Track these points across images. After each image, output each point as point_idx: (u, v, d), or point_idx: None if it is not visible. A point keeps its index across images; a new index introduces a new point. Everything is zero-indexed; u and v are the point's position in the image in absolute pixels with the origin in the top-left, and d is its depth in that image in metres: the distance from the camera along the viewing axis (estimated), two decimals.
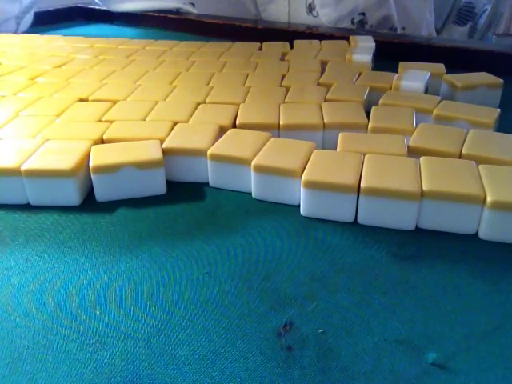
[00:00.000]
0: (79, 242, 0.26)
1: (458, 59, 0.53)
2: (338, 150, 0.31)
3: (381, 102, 0.38)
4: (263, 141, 0.31)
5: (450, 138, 0.31)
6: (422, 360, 0.19)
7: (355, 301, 0.22)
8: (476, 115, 0.35)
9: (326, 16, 0.71)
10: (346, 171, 0.27)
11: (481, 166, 0.28)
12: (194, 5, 0.81)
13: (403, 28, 0.74)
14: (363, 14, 0.70)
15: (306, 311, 0.21)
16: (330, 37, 0.61)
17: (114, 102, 0.39)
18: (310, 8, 0.72)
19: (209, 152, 0.30)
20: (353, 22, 0.71)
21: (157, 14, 0.80)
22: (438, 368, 0.18)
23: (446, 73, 0.45)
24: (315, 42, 0.57)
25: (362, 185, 0.26)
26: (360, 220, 0.27)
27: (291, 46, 0.56)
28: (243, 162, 0.30)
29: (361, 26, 0.71)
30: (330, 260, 0.24)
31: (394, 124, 0.34)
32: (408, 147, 0.31)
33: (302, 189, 0.27)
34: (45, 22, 0.81)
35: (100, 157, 0.30)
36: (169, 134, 0.33)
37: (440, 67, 0.46)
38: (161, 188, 0.31)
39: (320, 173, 0.27)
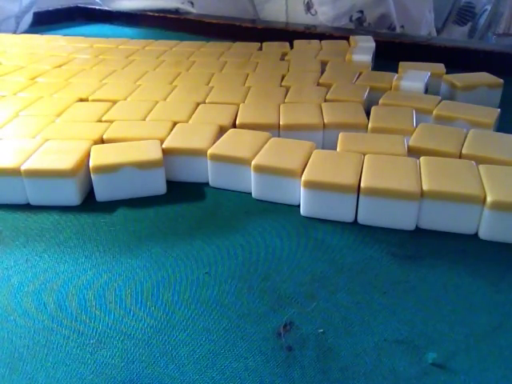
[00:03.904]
0: (79, 242, 0.26)
1: (458, 59, 0.53)
2: (338, 150, 0.31)
3: (381, 102, 0.38)
4: (263, 141, 0.31)
5: (450, 138, 0.31)
6: (422, 360, 0.19)
7: (355, 301, 0.22)
8: (476, 115, 0.35)
9: (324, 14, 0.71)
10: (346, 171, 0.27)
11: (481, 166, 0.28)
12: (192, 4, 0.81)
13: (402, 26, 0.74)
14: (361, 11, 0.70)
15: (306, 311, 0.21)
16: (330, 37, 0.62)
17: (114, 102, 0.39)
18: (308, 6, 0.72)
19: (209, 152, 0.30)
20: (351, 20, 0.71)
21: (157, 14, 0.80)
22: (438, 368, 0.18)
23: (446, 73, 0.45)
24: (315, 41, 0.57)
25: (362, 185, 0.26)
26: (360, 220, 0.27)
27: (291, 46, 0.56)
28: (243, 162, 0.30)
29: (359, 24, 0.71)
30: (330, 260, 0.24)
31: (394, 124, 0.34)
32: (408, 147, 0.31)
33: (302, 189, 0.27)
34: (45, 21, 0.81)
35: (100, 157, 0.30)
36: (169, 134, 0.33)
37: (440, 67, 0.46)
38: (161, 188, 0.31)
39: (320, 173, 0.27)
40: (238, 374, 0.18)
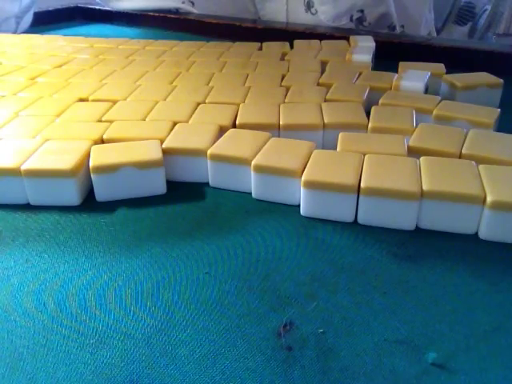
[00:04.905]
0: (79, 242, 0.26)
1: (458, 59, 0.53)
2: (337, 150, 0.31)
3: (381, 102, 0.38)
4: (263, 141, 0.31)
5: (450, 138, 0.31)
6: (422, 360, 0.19)
7: (355, 301, 0.22)
8: (476, 115, 0.35)
9: (324, 13, 0.71)
10: (346, 171, 0.27)
11: (481, 166, 0.28)
12: (193, 3, 0.81)
13: (402, 26, 0.74)
14: (362, 11, 0.70)
15: (306, 311, 0.21)
16: (330, 37, 0.62)
17: (114, 102, 0.39)
18: (309, 5, 0.72)
19: (209, 152, 0.30)
20: (351, 19, 0.71)
21: (157, 14, 0.80)
22: (438, 368, 0.18)
23: (446, 73, 0.45)
24: (315, 41, 0.57)
25: (362, 185, 0.26)
26: (360, 220, 0.27)
27: (291, 46, 0.56)
28: (243, 162, 0.30)
29: (359, 24, 0.71)
30: (330, 260, 0.24)
31: (394, 124, 0.34)
32: (408, 147, 0.31)
33: (302, 189, 0.27)
34: (45, 21, 0.81)
35: (100, 157, 0.30)
36: (169, 134, 0.33)
37: (440, 67, 0.46)
38: (161, 188, 0.31)
39: (320, 173, 0.27)
40: (238, 373, 0.18)
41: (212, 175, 0.31)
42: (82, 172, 0.29)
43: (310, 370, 0.18)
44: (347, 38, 0.57)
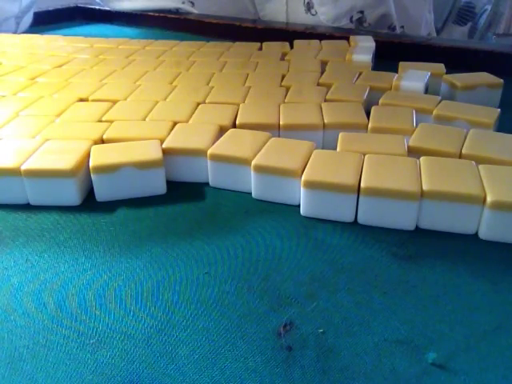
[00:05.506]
0: (79, 242, 0.26)
1: (458, 59, 0.53)
2: (338, 150, 0.31)
3: (381, 102, 0.38)
4: (263, 141, 0.31)
5: (450, 138, 0.31)
6: (422, 360, 0.19)
7: (355, 301, 0.22)
8: (476, 115, 0.35)
9: (324, 14, 0.71)
10: (346, 171, 0.27)
11: (481, 166, 0.28)
12: (193, 3, 0.81)
13: (402, 26, 0.74)
14: (362, 12, 0.70)
15: (306, 311, 0.21)
16: (330, 37, 0.62)
17: (114, 102, 0.39)
18: (309, 6, 0.72)
19: (209, 152, 0.30)
20: (351, 20, 0.71)
21: (157, 14, 0.80)
22: (438, 368, 0.18)
23: (446, 73, 0.45)
24: (315, 41, 0.57)
25: (362, 185, 0.26)
26: (360, 220, 0.27)
27: (291, 46, 0.56)
28: (243, 162, 0.30)
29: (359, 24, 0.71)
30: (330, 260, 0.24)
31: (394, 124, 0.34)
32: (408, 147, 0.31)
33: (302, 189, 0.27)
34: (45, 22, 0.81)
35: (100, 157, 0.30)
36: (169, 134, 0.33)
37: (440, 67, 0.46)
38: (161, 188, 0.31)
39: (320, 173, 0.27)
40: (238, 373, 0.18)
41: (212, 175, 0.31)
42: (82, 172, 0.29)
43: (310, 369, 0.18)
44: (347, 38, 0.57)
